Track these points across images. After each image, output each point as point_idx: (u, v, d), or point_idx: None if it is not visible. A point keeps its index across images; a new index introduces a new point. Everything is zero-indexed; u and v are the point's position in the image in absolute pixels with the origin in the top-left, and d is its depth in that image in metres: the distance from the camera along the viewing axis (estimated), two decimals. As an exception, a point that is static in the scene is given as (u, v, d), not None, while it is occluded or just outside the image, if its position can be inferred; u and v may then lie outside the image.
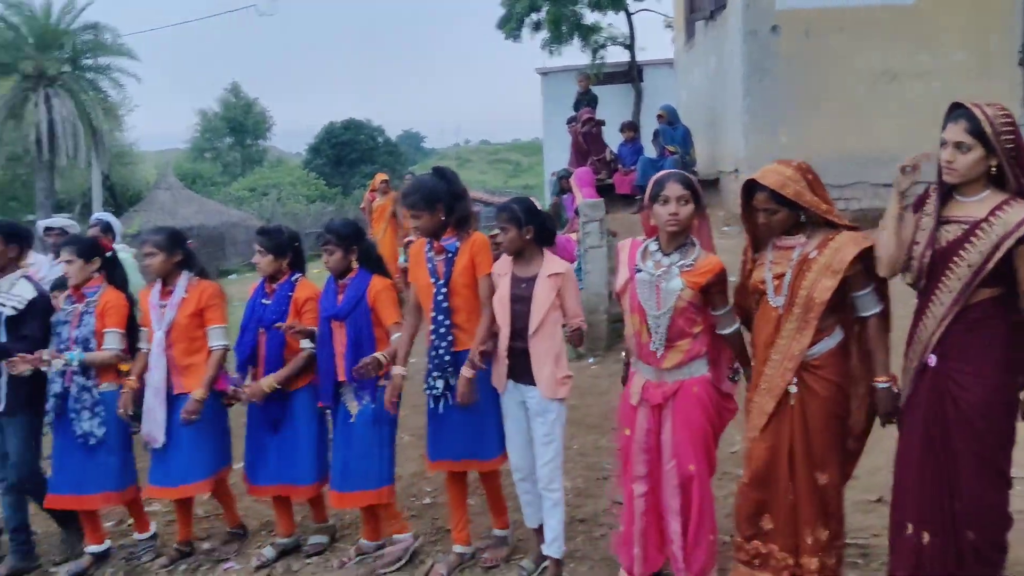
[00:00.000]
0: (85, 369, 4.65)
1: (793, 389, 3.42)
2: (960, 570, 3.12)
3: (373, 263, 4.56)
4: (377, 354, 4.31)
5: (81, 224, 7.69)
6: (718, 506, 3.84)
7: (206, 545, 4.98)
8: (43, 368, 4.58)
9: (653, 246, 3.69)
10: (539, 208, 4.16)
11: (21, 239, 5.01)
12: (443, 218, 4.20)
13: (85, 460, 4.65)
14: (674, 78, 17.48)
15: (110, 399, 4.68)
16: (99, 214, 8.15)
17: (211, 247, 22.28)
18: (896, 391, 3.32)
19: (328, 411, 4.60)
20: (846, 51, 10.58)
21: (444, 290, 4.19)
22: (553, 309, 3.99)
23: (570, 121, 14.35)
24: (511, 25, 18.33)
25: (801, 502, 3.45)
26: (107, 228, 6.52)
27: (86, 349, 4.65)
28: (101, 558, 4.86)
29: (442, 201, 4.19)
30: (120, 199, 31.34)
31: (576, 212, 9.10)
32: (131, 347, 4.80)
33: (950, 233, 3.11)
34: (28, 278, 4.95)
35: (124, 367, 4.77)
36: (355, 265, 4.50)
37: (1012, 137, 3.00)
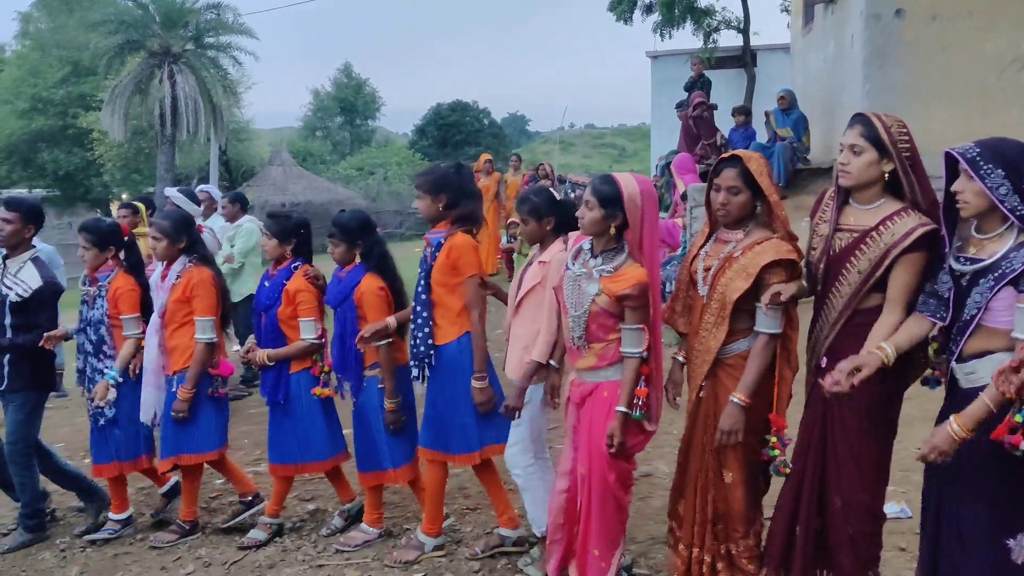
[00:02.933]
0: (98, 351, 4.78)
1: (703, 383, 3.46)
2: (839, 557, 3.23)
3: (373, 260, 4.46)
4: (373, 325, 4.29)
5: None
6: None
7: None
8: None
9: (587, 245, 3.57)
10: (559, 199, 4.06)
11: (39, 220, 4.94)
12: (441, 208, 4.15)
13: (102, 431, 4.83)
14: (789, 63, 17.02)
15: (125, 378, 4.78)
16: (203, 186, 8.58)
17: (316, 223, 22.93)
18: (743, 409, 3.29)
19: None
20: (974, 37, 10.05)
21: (422, 281, 4.16)
22: (533, 294, 3.95)
23: (680, 106, 14.15)
24: (623, 7, 18.22)
25: (708, 496, 3.47)
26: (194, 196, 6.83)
27: (96, 332, 4.78)
28: (125, 524, 5.01)
29: (447, 192, 4.14)
30: (235, 174, 32.50)
31: (682, 197, 9.01)
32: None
33: (842, 240, 3.19)
34: (36, 261, 4.87)
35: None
36: (358, 259, 4.49)
37: (908, 146, 3.11)
